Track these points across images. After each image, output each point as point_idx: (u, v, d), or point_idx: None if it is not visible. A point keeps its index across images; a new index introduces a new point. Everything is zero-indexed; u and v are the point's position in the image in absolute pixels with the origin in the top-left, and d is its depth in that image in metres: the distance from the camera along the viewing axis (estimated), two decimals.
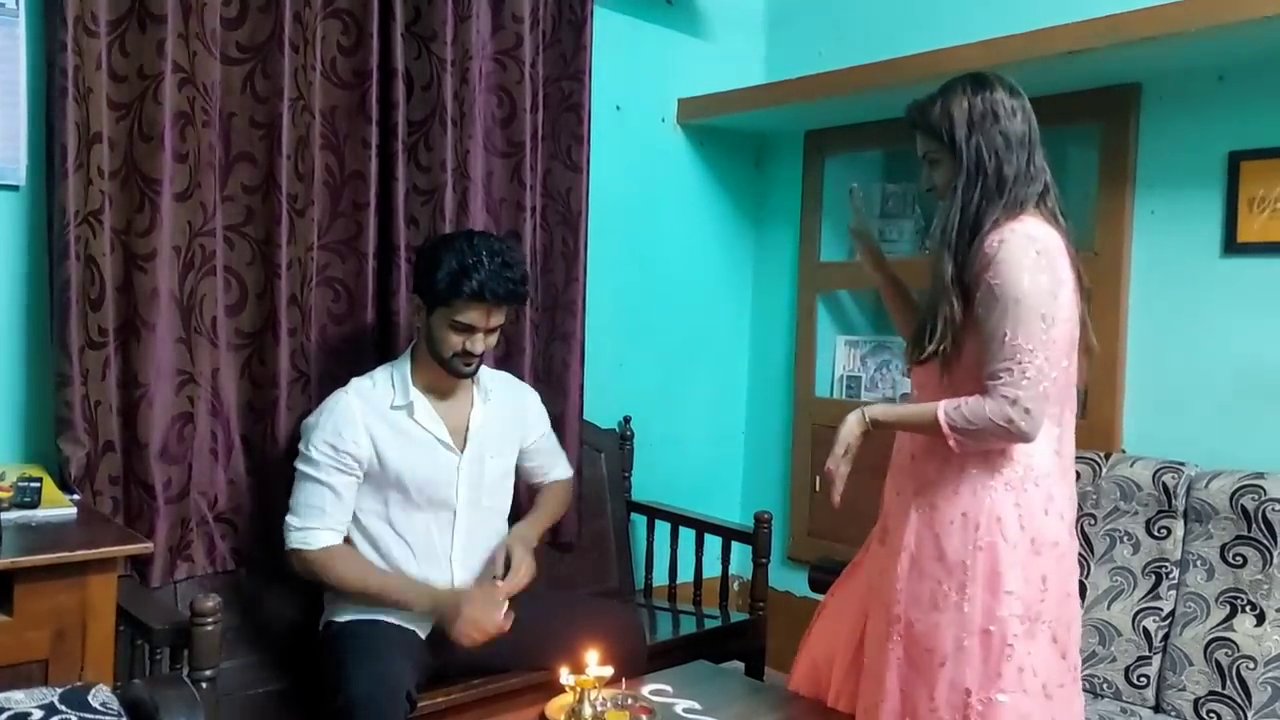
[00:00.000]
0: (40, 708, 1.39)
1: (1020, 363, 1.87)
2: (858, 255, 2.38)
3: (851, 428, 2.04)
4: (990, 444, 1.94)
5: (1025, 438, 1.91)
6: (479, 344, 2.41)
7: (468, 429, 2.51)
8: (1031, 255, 1.89)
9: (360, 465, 2.39)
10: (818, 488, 3.62)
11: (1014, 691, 1.92)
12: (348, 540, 2.43)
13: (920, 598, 2.00)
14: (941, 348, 1.96)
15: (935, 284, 2.00)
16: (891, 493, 2.16)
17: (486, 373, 2.58)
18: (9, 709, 1.37)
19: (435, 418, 2.47)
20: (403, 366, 2.48)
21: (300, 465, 2.40)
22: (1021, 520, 1.95)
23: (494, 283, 2.35)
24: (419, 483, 2.43)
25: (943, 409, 1.93)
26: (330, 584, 2.40)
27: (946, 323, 1.95)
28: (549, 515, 2.76)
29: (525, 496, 2.80)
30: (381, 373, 2.49)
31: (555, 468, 2.80)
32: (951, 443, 1.93)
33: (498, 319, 2.43)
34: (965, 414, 1.91)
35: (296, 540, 2.37)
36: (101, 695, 1.45)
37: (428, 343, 2.44)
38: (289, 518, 2.39)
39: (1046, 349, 1.89)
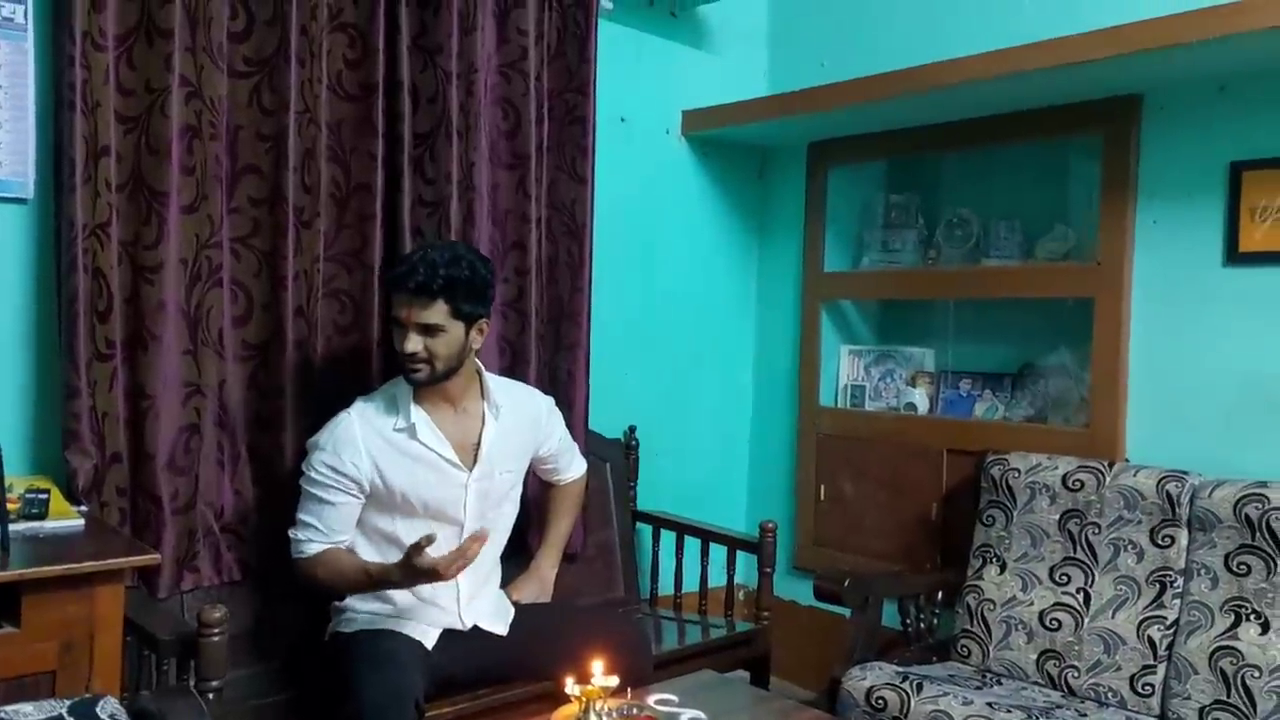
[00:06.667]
0: None
1: None
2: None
3: None
4: None
5: None
6: (410, 342, 2.34)
7: (478, 447, 2.48)
8: None
9: (360, 486, 2.38)
10: (822, 497, 3.62)
11: None
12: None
13: None
14: None
15: None
16: None
17: (496, 386, 2.56)
18: None
19: (439, 436, 2.43)
20: (404, 387, 2.44)
21: (303, 482, 2.41)
22: None
23: (412, 274, 2.33)
24: (425, 501, 2.42)
25: None
26: (321, 584, 2.40)
27: None
28: (565, 533, 2.83)
29: (540, 492, 2.83)
30: (385, 392, 2.48)
31: (570, 465, 2.82)
32: None
33: (422, 315, 2.33)
34: None
35: (294, 550, 2.40)
36: (110, 707, 1.46)
37: None
38: (290, 530, 2.41)
39: None
